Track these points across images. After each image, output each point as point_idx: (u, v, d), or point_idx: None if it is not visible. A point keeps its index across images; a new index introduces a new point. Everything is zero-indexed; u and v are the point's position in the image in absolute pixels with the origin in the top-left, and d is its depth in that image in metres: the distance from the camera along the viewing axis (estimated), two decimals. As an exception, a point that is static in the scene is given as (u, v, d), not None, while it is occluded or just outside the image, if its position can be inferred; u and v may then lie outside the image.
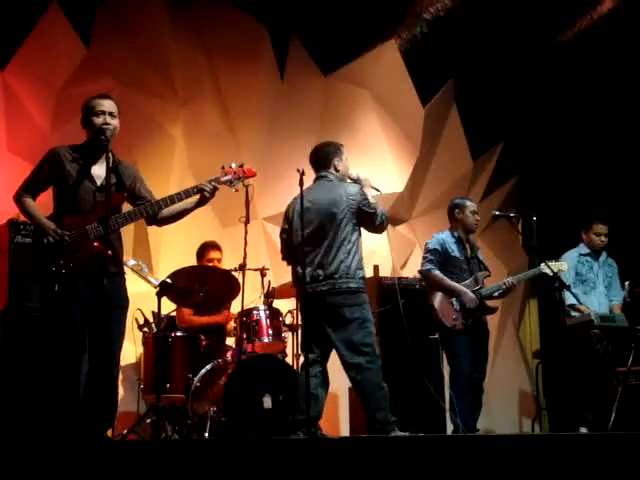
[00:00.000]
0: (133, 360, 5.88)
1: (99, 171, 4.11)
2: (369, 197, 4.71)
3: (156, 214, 4.21)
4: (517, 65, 7.31)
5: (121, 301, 4.17)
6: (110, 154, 4.03)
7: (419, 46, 7.14)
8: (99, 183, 4.09)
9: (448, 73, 7.52)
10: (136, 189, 4.24)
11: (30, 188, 4.14)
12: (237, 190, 4.41)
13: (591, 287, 6.29)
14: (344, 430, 6.44)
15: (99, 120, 4.11)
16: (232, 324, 5.77)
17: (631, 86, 7.09)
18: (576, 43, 7.02)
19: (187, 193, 4.20)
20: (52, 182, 4.13)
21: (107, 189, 3.97)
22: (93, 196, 4.06)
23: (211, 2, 6.82)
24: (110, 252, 3.96)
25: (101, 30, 6.44)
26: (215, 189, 4.21)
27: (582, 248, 6.39)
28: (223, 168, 4.35)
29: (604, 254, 6.41)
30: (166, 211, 4.24)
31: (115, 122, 4.16)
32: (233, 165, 4.36)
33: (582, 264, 6.33)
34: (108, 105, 4.17)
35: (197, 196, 4.23)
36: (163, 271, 5.72)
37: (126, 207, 4.25)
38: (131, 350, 5.71)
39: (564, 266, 5.78)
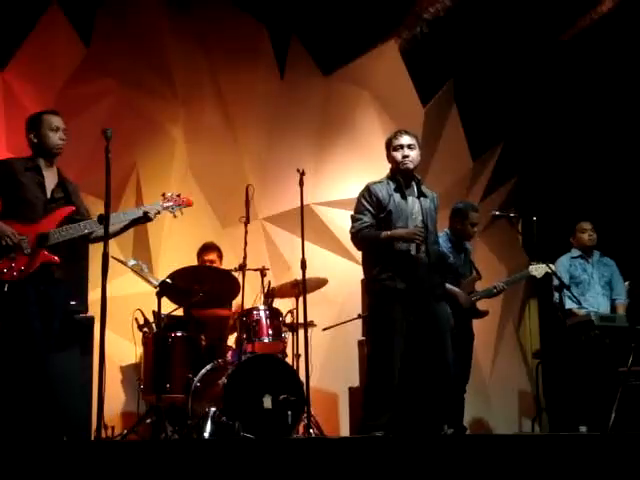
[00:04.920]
0: (133, 360, 5.88)
1: (48, 183, 4.28)
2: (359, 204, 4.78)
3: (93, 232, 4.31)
4: (517, 65, 7.31)
5: (63, 309, 4.32)
6: (56, 168, 4.32)
7: (419, 46, 7.14)
8: (49, 195, 4.25)
9: (448, 73, 7.52)
10: (77, 204, 4.37)
11: None
12: (175, 216, 4.59)
13: (586, 288, 6.31)
14: (344, 430, 6.44)
15: (58, 135, 4.29)
16: (230, 322, 5.78)
17: (631, 87, 7.09)
18: (576, 44, 7.02)
19: (131, 214, 4.40)
20: (1, 191, 4.23)
21: (107, 191, 4.01)
22: (43, 206, 4.21)
23: (211, 2, 6.82)
24: (57, 259, 4.14)
25: (101, 30, 6.45)
26: (158, 213, 4.46)
27: (573, 252, 6.46)
28: (163, 195, 4.55)
29: (597, 254, 6.44)
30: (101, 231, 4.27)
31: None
32: (170, 194, 4.57)
33: (574, 267, 6.37)
34: (61, 121, 4.34)
35: (134, 215, 4.40)
36: (163, 271, 5.73)
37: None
38: (131, 350, 5.71)
39: (552, 267, 5.77)
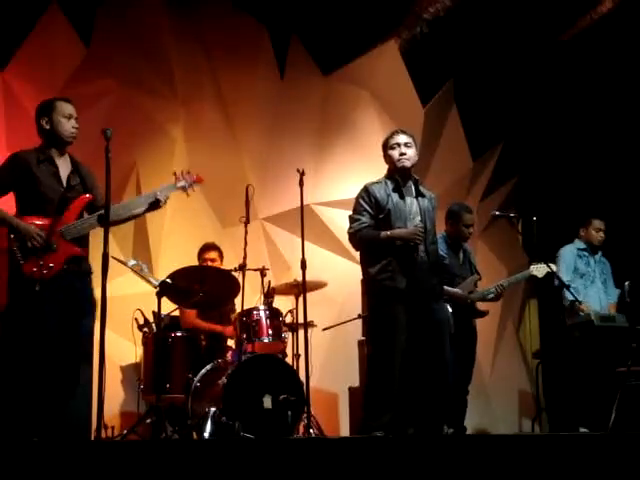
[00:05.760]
0: (133, 360, 5.88)
1: (63, 171, 4.21)
2: (357, 205, 4.76)
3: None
4: (517, 65, 7.31)
5: (92, 302, 4.27)
6: (68, 155, 4.24)
7: (419, 46, 7.14)
8: (65, 184, 4.19)
9: (448, 73, 7.52)
10: (93, 189, 4.31)
11: None
12: (189, 195, 4.54)
13: (590, 281, 6.29)
14: (344, 430, 6.44)
15: (71, 123, 4.21)
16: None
17: (631, 87, 7.09)
18: (576, 44, 7.02)
19: (142, 200, 4.36)
20: (16, 186, 4.16)
21: (107, 191, 4.00)
22: (61, 198, 4.15)
23: (211, 2, 6.83)
24: (80, 251, 4.11)
25: (101, 30, 6.45)
26: (167, 198, 4.38)
27: (578, 243, 6.39)
28: (175, 174, 4.49)
29: (599, 252, 6.42)
30: (116, 216, 4.27)
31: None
32: (181, 171, 4.52)
33: (580, 258, 6.33)
34: (74, 110, 4.26)
35: (148, 203, 4.35)
36: (163, 271, 5.72)
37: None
38: (131, 350, 5.71)
39: (552, 267, 5.77)
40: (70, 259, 4.09)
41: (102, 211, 4.12)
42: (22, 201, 4.16)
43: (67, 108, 4.23)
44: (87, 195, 4.22)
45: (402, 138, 4.74)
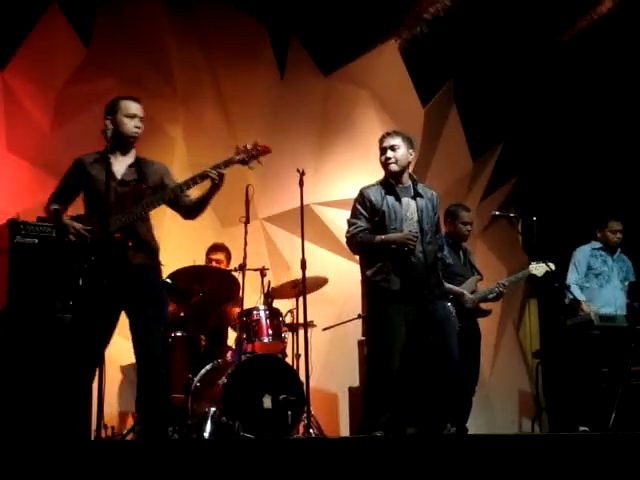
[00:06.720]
0: (133, 360, 5.86)
1: (119, 167, 4.22)
2: (354, 209, 4.78)
3: (176, 200, 4.25)
4: (517, 65, 7.31)
5: (152, 293, 4.22)
6: (133, 153, 4.28)
7: (419, 46, 7.14)
8: (119, 178, 4.20)
9: (448, 73, 7.52)
10: (163, 183, 4.29)
11: (58, 197, 4.28)
12: (252, 168, 4.33)
13: (606, 280, 6.26)
14: (344, 430, 6.44)
15: (134, 123, 4.24)
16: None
17: (631, 87, 7.09)
18: (576, 43, 7.02)
19: (194, 180, 4.27)
20: (79, 188, 4.26)
21: (107, 192, 4.02)
22: (115, 192, 4.15)
23: (211, 2, 6.83)
24: (130, 242, 4.07)
25: (101, 30, 6.46)
26: (221, 174, 4.24)
27: (594, 243, 6.36)
28: (237, 148, 4.31)
29: (618, 250, 6.39)
30: (188, 201, 4.31)
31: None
32: (248, 146, 4.30)
33: (595, 258, 6.30)
34: (140, 109, 4.30)
35: (208, 182, 4.28)
36: (163, 271, 5.71)
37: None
38: (131, 350, 5.69)
39: (552, 266, 5.78)
40: (115, 250, 4.03)
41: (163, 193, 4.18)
42: (85, 201, 4.25)
43: (131, 107, 4.26)
44: (142, 186, 4.18)
45: (387, 141, 4.74)
